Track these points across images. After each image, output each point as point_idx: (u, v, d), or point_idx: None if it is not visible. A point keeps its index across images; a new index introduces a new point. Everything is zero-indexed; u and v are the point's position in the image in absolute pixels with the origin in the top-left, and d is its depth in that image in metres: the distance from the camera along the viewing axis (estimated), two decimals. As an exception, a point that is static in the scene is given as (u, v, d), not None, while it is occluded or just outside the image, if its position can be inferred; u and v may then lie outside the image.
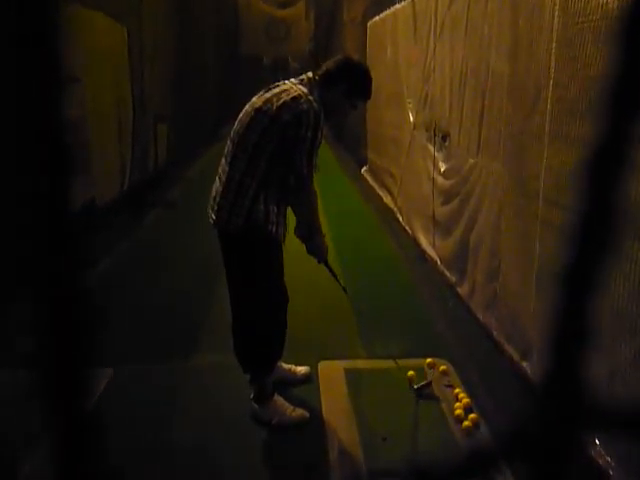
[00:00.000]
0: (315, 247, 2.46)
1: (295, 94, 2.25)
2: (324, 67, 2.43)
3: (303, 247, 2.48)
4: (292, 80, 2.39)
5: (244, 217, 2.28)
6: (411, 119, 5.32)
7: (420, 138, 5.01)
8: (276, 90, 2.32)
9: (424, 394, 2.66)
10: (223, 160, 2.40)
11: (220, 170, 2.40)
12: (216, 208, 2.36)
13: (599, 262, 0.27)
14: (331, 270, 2.61)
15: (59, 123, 0.24)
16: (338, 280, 2.65)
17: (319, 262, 2.54)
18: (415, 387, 2.66)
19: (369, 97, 2.51)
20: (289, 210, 2.41)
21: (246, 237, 2.33)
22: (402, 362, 2.83)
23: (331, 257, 2.64)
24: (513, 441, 0.30)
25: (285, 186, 2.31)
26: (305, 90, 2.29)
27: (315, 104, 2.25)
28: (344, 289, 2.68)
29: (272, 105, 2.25)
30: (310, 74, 2.40)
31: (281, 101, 2.24)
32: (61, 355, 0.25)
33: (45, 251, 0.24)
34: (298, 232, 2.45)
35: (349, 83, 2.38)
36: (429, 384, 2.70)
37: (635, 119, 0.26)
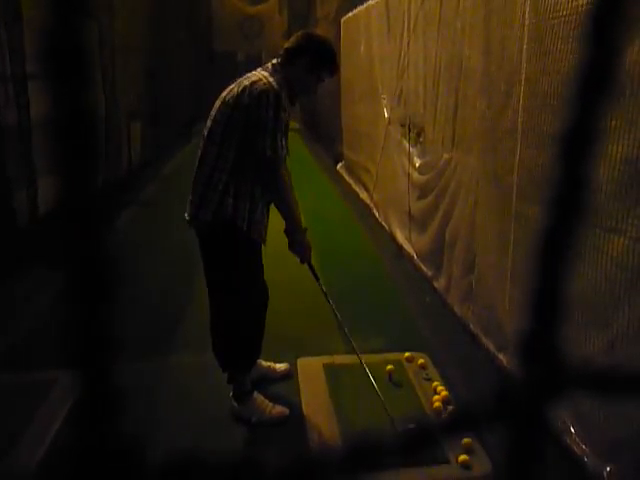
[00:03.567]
0: (297, 244, 2.37)
1: (255, 79, 2.26)
2: (285, 45, 2.42)
3: (281, 243, 2.45)
4: (258, 69, 2.39)
5: (212, 211, 2.25)
6: (386, 115, 5.35)
7: (395, 134, 5.03)
8: (240, 79, 2.33)
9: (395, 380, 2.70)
10: (197, 158, 2.38)
11: (194, 168, 2.38)
12: (188, 205, 2.35)
13: (572, 231, 0.30)
14: (313, 271, 2.49)
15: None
16: (320, 284, 2.52)
17: (301, 262, 2.45)
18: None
19: (334, 68, 2.45)
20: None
21: (216, 233, 2.31)
22: (380, 357, 2.86)
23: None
24: (495, 404, 0.31)
25: (257, 176, 2.27)
26: (266, 74, 2.29)
27: (275, 85, 2.24)
28: (325, 293, 2.53)
29: (234, 94, 2.26)
30: (274, 60, 2.40)
31: (241, 87, 2.25)
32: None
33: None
34: (285, 227, 2.37)
35: (310, 56, 2.36)
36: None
37: (601, 102, 0.29)
